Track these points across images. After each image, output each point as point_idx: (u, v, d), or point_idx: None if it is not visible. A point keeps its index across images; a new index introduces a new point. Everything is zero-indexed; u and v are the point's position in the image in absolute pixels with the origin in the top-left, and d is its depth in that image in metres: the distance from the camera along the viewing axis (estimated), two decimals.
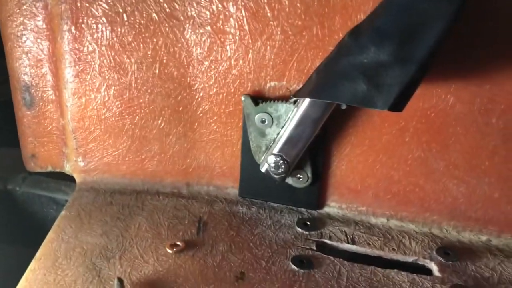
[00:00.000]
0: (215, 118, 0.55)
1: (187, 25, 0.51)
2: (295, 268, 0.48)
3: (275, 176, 0.52)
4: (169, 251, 0.48)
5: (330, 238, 0.53)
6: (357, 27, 0.44)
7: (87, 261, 0.47)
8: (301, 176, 0.54)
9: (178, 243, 0.49)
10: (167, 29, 0.51)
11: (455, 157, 0.51)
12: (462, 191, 0.52)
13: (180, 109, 0.55)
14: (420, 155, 0.51)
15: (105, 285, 0.44)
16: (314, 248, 0.51)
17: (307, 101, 0.48)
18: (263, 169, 0.53)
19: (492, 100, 0.48)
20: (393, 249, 0.51)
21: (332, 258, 0.49)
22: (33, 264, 0.46)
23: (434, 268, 0.50)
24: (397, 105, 0.41)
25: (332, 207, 0.56)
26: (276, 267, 0.48)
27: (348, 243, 0.52)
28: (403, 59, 0.40)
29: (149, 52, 0.52)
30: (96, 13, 0.51)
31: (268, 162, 0.52)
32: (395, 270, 0.48)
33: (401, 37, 0.40)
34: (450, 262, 0.50)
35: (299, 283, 0.46)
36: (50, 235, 0.50)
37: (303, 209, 0.57)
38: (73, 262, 0.47)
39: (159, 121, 0.56)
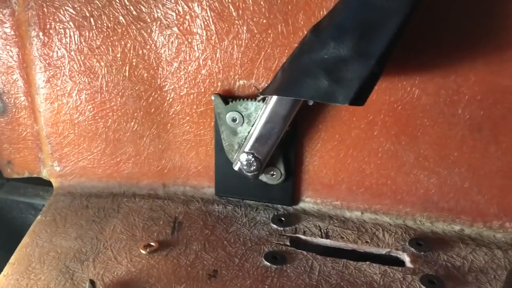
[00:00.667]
0: (188, 118, 0.55)
1: (154, 27, 0.51)
2: (268, 264, 0.48)
3: (248, 174, 0.53)
4: (143, 251, 0.49)
5: (304, 233, 0.53)
6: (318, 23, 0.45)
7: (61, 264, 0.47)
8: (274, 173, 0.54)
9: (152, 243, 0.50)
10: (134, 31, 0.52)
11: (424, 148, 0.51)
12: (434, 182, 0.53)
13: (152, 110, 0.55)
14: (390, 147, 0.52)
15: None
16: (288, 243, 0.51)
17: (274, 98, 0.48)
18: (236, 168, 0.53)
19: (457, 91, 0.48)
20: (367, 242, 0.52)
21: (305, 253, 0.50)
22: (6, 269, 0.47)
23: (407, 259, 0.50)
24: (358, 99, 0.41)
25: (307, 203, 0.57)
26: (249, 264, 0.48)
27: (322, 237, 0.53)
28: (362, 53, 0.41)
29: (118, 55, 0.53)
30: (64, 18, 0.51)
31: (240, 160, 0.52)
32: (367, 262, 0.49)
33: (359, 32, 0.41)
34: (422, 252, 0.50)
35: (271, 279, 0.47)
36: (25, 240, 0.50)
37: (279, 206, 0.57)
38: (46, 266, 0.47)
39: (132, 123, 0.56)
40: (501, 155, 0.50)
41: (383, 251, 0.51)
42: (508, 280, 0.41)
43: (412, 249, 0.51)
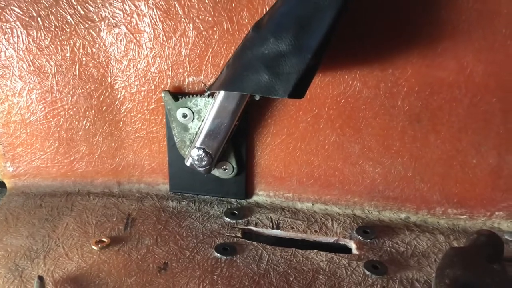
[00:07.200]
0: (139, 116, 0.56)
1: (103, 25, 0.52)
2: (218, 255, 0.49)
3: (200, 169, 0.54)
4: (94, 247, 0.49)
5: (256, 225, 0.54)
6: (259, 20, 0.46)
7: (10, 262, 0.47)
8: (227, 168, 0.56)
9: (104, 239, 0.50)
10: (83, 31, 0.52)
11: (368, 139, 0.53)
12: (379, 172, 0.55)
13: (104, 109, 0.56)
14: (335, 140, 0.54)
15: (27, 285, 0.44)
16: (240, 235, 0.53)
17: (222, 94, 0.50)
18: (187, 163, 0.54)
19: (396, 83, 0.50)
20: (316, 231, 0.54)
21: (255, 243, 0.51)
22: None
23: (353, 246, 0.52)
24: (297, 92, 0.43)
25: (260, 196, 0.58)
26: (200, 256, 0.49)
27: (273, 228, 0.54)
28: (299, 48, 0.42)
29: (68, 54, 0.53)
30: (10, 18, 0.52)
31: (191, 156, 0.53)
32: (315, 250, 0.50)
33: (296, 28, 0.43)
34: (368, 240, 0.52)
35: (221, 269, 0.48)
36: None
37: (233, 200, 0.58)
38: None
39: (84, 122, 0.56)
40: (440, 143, 0.53)
41: (331, 239, 0.53)
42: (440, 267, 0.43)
43: (359, 236, 0.53)
